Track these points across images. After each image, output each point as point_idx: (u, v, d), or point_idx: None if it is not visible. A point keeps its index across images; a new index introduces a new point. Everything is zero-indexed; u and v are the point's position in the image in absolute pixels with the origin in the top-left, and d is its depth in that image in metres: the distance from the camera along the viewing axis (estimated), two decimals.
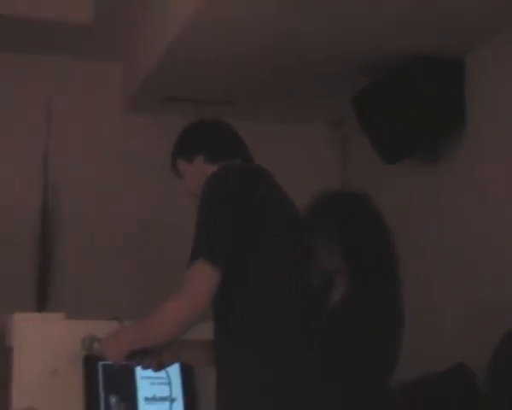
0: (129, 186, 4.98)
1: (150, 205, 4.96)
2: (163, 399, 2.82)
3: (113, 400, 2.77)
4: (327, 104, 5.12)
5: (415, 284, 3.88)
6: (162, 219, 4.90)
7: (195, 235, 2.44)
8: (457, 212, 4.41)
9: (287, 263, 2.51)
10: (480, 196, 4.28)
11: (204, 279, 2.37)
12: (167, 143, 2.88)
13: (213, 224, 2.43)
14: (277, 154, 4.74)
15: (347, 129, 5.34)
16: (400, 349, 2.94)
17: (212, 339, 2.53)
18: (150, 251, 4.85)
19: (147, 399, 2.83)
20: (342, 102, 4.74)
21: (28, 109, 4.87)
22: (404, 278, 3.05)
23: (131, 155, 5.03)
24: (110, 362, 2.55)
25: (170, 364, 2.69)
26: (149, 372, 2.66)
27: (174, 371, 2.88)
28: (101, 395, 2.74)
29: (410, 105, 4.34)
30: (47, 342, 2.62)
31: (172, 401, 2.82)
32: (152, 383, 2.86)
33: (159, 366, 2.64)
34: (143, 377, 2.87)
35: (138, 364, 2.58)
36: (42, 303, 4.49)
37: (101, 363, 2.68)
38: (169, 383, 2.84)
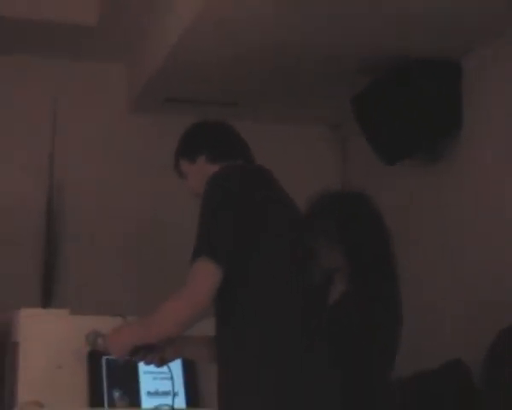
0: (131, 186, 4.98)
1: (152, 204, 4.95)
2: (165, 393, 2.82)
3: (116, 394, 2.78)
4: (327, 105, 5.11)
5: (413, 283, 3.89)
6: (163, 219, 4.89)
7: (197, 234, 2.44)
8: (456, 211, 4.41)
9: (288, 263, 2.50)
10: (478, 196, 4.27)
11: (206, 278, 2.36)
12: (169, 144, 2.88)
13: (215, 223, 2.43)
14: (277, 154, 4.71)
15: (347, 130, 5.31)
16: (399, 346, 2.92)
17: (214, 336, 2.52)
18: (151, 251, 4.84)
19: (149, 393, 2.84)
20: (342, 103, 4.73)
21: (33, 110, 4.87)
22: (403, 277, 3.03)
23: (134, 155, 5.02)
24: (114, 357, 2.57)
25: (172, 359, 2.69)
26: (152, 367, 2.66)
27: (176, 366, 2.88)
28: (105, 389, 2.75)
29: (409, 106, 4.33)
30: (52, 338, 2.63)
31: (174, 395, 2.83)
32: (154, 378, 2.87)
33: (161, 362, 2.64)
34: (146, 372, 2.88)
35: (141, 359, 2.59)
36: (47, 300, 4.50)
37: (104, 358, 2.69)
38: (171, 378, 2.85)
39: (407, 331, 2.94)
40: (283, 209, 2.58)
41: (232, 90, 4.88)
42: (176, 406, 2.66)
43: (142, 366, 2.81)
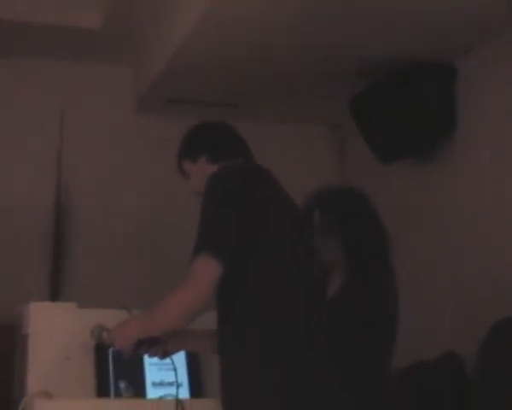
0: (136, 185, 4.98)
1: (157, 203, 4.95)
2: (170, 384, 2.83)
3: (122, 384, 2.78)
4: (326, 105, 5.10)
5: (410, 280, 3.92)
6: (167, 217, 4.89)
7: (198, 231, 2.44)
8: (452, 210, 4.41)
9: (289, 262, 2.50)
10: (474, 195, 4.28)
11: (206, 272, 2.36)
12: (173, 143, 2.89)
13: (216, 220, 2.43)
14: (277, 154, 4.70)
15: (345, 130, 5.31)
16: (396, 340, 2.92)
17: (216, 331, 2.53)
18: (155, 248, 4.83)
19: (154, 384, 2.84)
20: (341, 104, 4.74)
21: (41, 111, 4.88)
22: (401, 274, 3.02)
23: (139, 155, 5.03)
24: (119, 351, 2.58)
25: (175, 352, 2.70)
26: (157, 359, 2.68)
27: (180, 358, 2.89)
28: (112, 380, 2.75)
29: (406, 107, 4.34)
30: (60, 330, 2.63)
31: (178, 386, 2.84)
32: (159, 369, 2.87)
33: (164, 354, 2.65)
34: (151, 364, 2.88)
35: (145, 352, 2.60)
36: (55, 294, 4.52)
37: (111, 350, 2.70)
38: (174, 370, 2.86)
39: (404, 325, 2.95)
40: (283, 208, 2.57)
41: (233, 91, 4.88)
42: (180, 396, 2.68)
43: (147, 358, 2.82)
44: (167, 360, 2.73)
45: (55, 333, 2.64)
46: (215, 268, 2.36)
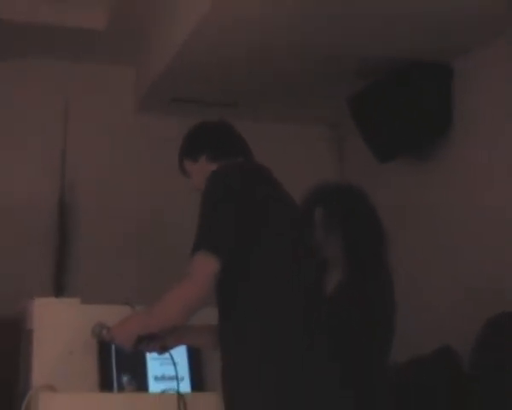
0: (139, 183, 4.99)
1: (161, 201, 4.94)
2: (171, 378, 2.83)
3: (125, 378, 2.78)
4: (325, 105, 5.10)
5: (407, 277, 3.92)
6: (172, 215, 4.88)
7: (198, 228, 2.44)
8: (447, 208, 4.41)
9: (289, 261, 2.49)
10: (468, 193, 4.28)
11: (205, 269, 2.37)
12: (174, 142, 2.90)
13: (216, 217, 2.43)
14: (276, 153, 4.70)
15: (344, 129, 5.31)
16: (394, 335, 2.91)
17: (217, 327, 2.53)
18: (162, 245, 4.83)
19: (156, 378, 2.85)
20: (340, 104, 4.73)
21: (45, 110, 4.88)
22: (398, 271, 3.02)
23: (141, 153, 5.04)
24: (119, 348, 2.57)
25: (173, 347, 2.69)
26: (157, 354, 2.69)
27: (181, 352, 2.89)
28: (114, 374, 2.75)
29: (404, 106, 4.34)
30: (64, 325, 2.64)
31: (179, 379, 2.84)
32: (161, 364, 2.87)
33: (162, 349, 2.65)
34: (153, 358, 2.88)
35: (144, 349, 2.60)
36: (59, 290, 4.53)
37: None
38: (173, 364, 2.86)
39: (401, 321, 2.94)
40: (284, 207, 2.57)
41: (233, 90, 4.88)
42: (181, 390, 2.68)
43: (148, 353, 2.83)
44: (168, 355, 2.73)
45: (59, 328, 2.64)
46: (213, 264, 2.36)
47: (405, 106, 4.34)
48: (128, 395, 2.71)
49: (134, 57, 4.96)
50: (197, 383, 2.86)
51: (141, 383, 2.80)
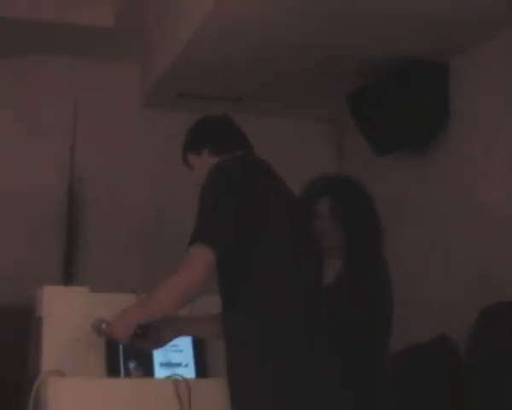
0: (145, 177, 5.00)
1: (165, 193, 4.96)
2: (177, 364, 2.83)
3: (131, 365, 2.78)
4: (325, 103, 5.10)
5: (404, 269, 3.91)
6: (176, 207, 4.87)
7: (197, 219, 2.43)
8: (445, 202, 4.41)
9: (289, 261, 2.48)
10: (466, 187, 4.27)
11: (201, 260, 2.37)
12: (180, 136, 2.89)
13: (216, 211, 2.42)
14: (277, 147, 4.72)
15: (343, 125, 5.31)
16: (392, 332, 2.90)
17: (221, 318, 2.53)
18: (166, 236, 4.84)
19: (162, 364, 2.84)
20: (339, 101, 4.73)
21: (55, 106, 4.90)
22: (394, 263, 3.00)
23: (148, 148, 5.05)
24: (117, 342, 2.56)
25: (169, 340, 2.69)
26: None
27: (186, 340, 2.88)
28: (121, 360, 2.75)
29: (402, 102, 4.34)
30: (73, 312, 2.63)
31: (185, 366, 2.85)
32: (167, 351, 2.87)
33: (156, 345, 2.65)
34: None
35: (139, 347, 2.60)
36: (68, 279, 4.53)
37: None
38: (181, 351, 2.87)
39: (400, 313, 2.93)
40: (284, 201, 2.55)
41: (236, 86, 4.87)
42: (186, 376, 2.68)
43: None
44: (174, 342, 2.73)
45: (68, 315, 2.64)
46: (209, 255, 2.37)
47: (403, 102, 4.33)
48: (134, 380, 2.70)
49: (140, 54, 4.96)
50: (201, 369, 2.86)
51: (147, 370, 2.80)
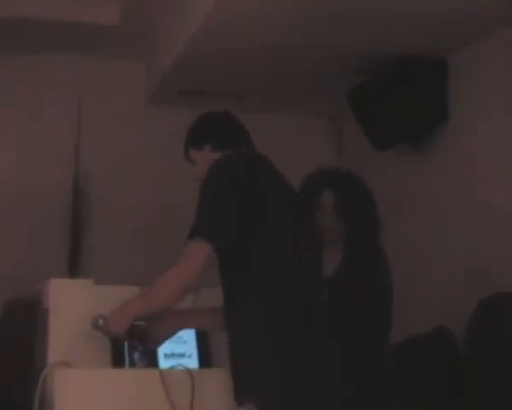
0: (149, 172, 5.02)
1: (169, 189, 4.97)
2: (180, 355, 2.84)
3: (136, 355, 2.79)
4: (326, 100, 5.12)
5: (404, 263, 3.91)
6: (179, 202, 4.88)
7: (197, 213, 2.42)
8: (443, 196, 4.42)
9: (290, 256, 2.46)
10: (464, 182, 4.28)
11: (198, 253, 2.37)
12: (183, 132, 2.90)
13: (218, 207, 2.41)
14: (279, 143, 4.74)
15: (343, 122, 5.33)
16: (392, 326, 2.90)
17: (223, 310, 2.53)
18: (168, 231, 4.85)
19: (166, 355, 2.84)
20: (339, 97, 4.73)
21: (61, 103, 4.93)
22: (393, 257, 3.00)
23: (151, 144, 5.06)
24: (115, 336, 2.55)
25: (172, 334, 2.67)
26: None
27: (190, 331, 2.90)
28: (126, 350, 2.76)
29: (402, 97, 4.35)
30: (78, 305, 2.63)
31: (189, 356, 2.85)
32: (170, 342, 2.86)
33: (158, 343, 2.65)
34: None
35: (136, 346, 2.62)
36: (73, 272, 4.55)
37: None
38: (185, 342, 2.87)
39: (399, 306, 2.93)
40: (284, 197, 2.54)
41: (238, 84, 4.90)
42: (189, 366, 2.68)
43: None
44: (178, 333, 2.73)
45: (74, 308, 2.64)
46: (207, 250, 2.37)
47: (403, 98, 4.34)
48: (139, 370, 2.71)
49: (144, 52, 4.97)
50: (204, 359, 2.86)
51: (151, 360, 2.79)
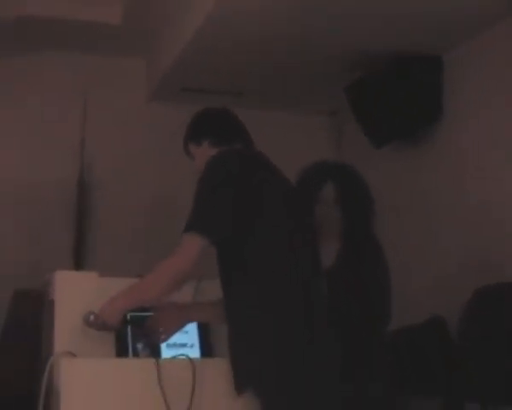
0: (151, 166, 5.02)
1: (169, 182, 4.97)
2: (182, 345, 2.84)
3: (139, 346, 2.80)
4: (324, 97, 5.12)
5: (400, 257, 3.91)
6: (179, 196, 4.89)
7: (193, 207, 2.42)
8: (437, 191, 4.43)
9: (286, 253, 2.44)
10: (457, 176, 4.29)
11: (192, 247, 2.37)
12: (183, 128, 2.91)
13: (213, 202, 2.40)
14: (278, 139, 4.75)
15: (342, 118, 5.33)
16: (390, 319, 2.89)
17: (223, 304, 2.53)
18: (169, 223, 4.86)
19: (168, 345, 2.85)
20: (338, 94, 4.74)
21: (66, 101, 4.92)
22: (389, 250, 2.99)
23: (153, 139, 5.06)
24: (109, 328, 2.56)
25: (177, 329, 2.68)
26: None
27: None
28: (130, 341, 2.76)
29: (398, 94, 4.36)
30: (83, 296, 2.64)
31: (190, 346, 2.85)
32: None
33: (165, 337, 2.65)
34: None
35: (149, 341, 2.64)
36: (78, 264, 4.56)
37: (129, 314, 2.71)
38: (187, 332, 2.87)
39: (396, 295, 2.94)
40: (281, 193, 2.53)
41: (238, 81, 4.89)
42: (191, 356, 2.69)
43: None
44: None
45: (79, 299, 2.64)
46: (201, 245, 2.37)
47: (399, 95, 4.34)
48: (142, 360, 2.71)
49: (146, 50, 4.97)
50: (206, 349, 2.87)
51: (154, 350, 2.81)
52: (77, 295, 2.68)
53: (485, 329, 3.48)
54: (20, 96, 4.85)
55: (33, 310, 3.01)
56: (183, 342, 2.84)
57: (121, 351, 2.73)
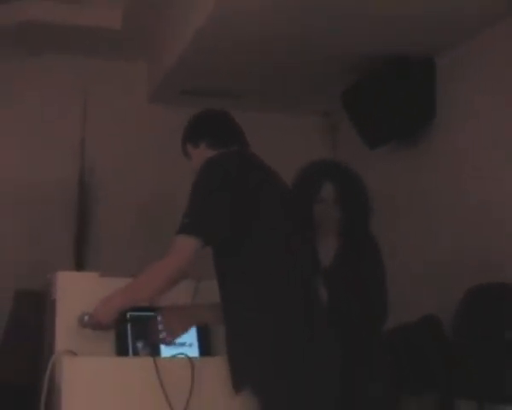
0: (151, 167, 5.02)
1: (169, 182, 4.95)
2: (181, 344, 2.84)
3: (139, 345, 2.80)
4: (320, 98, 5.12)
5: (398, 255, 3.92)
6: (179, 195, 4.91)
7: (188, 208, 2.41)
8: (434, 190, 4.43)
9: (283, 256, 2.43)
10: (453, 176, 4.28)
11: (185, 247, 2.37)
12: (182, 129, 2.91)
13: (209, 203, 2.40)
14: (274, 140, 4.77)
15: (337, 119, 5.32)
16: (387, 317, 2.89)
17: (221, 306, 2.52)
18: (168, 223, 4.85)
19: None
20: (334, 95, 4.74)
21: (68, 103, 4.92)
22: (386, 248, 3.00)
23: (153, 140, 5.06)
24: (104, 327, 2.56)
25: (182, 332, 2.67)
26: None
27: None
28: (130, 340, 2.76)
29: (394, 96, 4.35)
30: (84, 296, 2.64)
31: (189, 345, 2.85)
32: None
33: (171, 338, 2.65)
34: None
35: (156, 342, 2.63)
36: (80, 264, 4.55)
37: (129, 313, 2.71)
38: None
39: (395, 295, 2.94)
40: (277, 195, 2.53)
41: (237, 83, 4.90)
42: (190, 354, 2.69)
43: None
44: None
45: (80, 298, 2.65)
46: (195, 246, 2.36)
47: (398, 95, 4.34)
48: (142, 359, 2.72)
49: (146, 53, 4.97)
50: (205, 349, 2.87)
51: (154, 349, 2.81)
52: (78, 295, 2.68)
53: (477, 327, 3.48)
54: (21, 96, 4.84)
55: (34, 310, 3.01)
56: (182, 341, 2.84)
57: (121, 350, 2.73)
